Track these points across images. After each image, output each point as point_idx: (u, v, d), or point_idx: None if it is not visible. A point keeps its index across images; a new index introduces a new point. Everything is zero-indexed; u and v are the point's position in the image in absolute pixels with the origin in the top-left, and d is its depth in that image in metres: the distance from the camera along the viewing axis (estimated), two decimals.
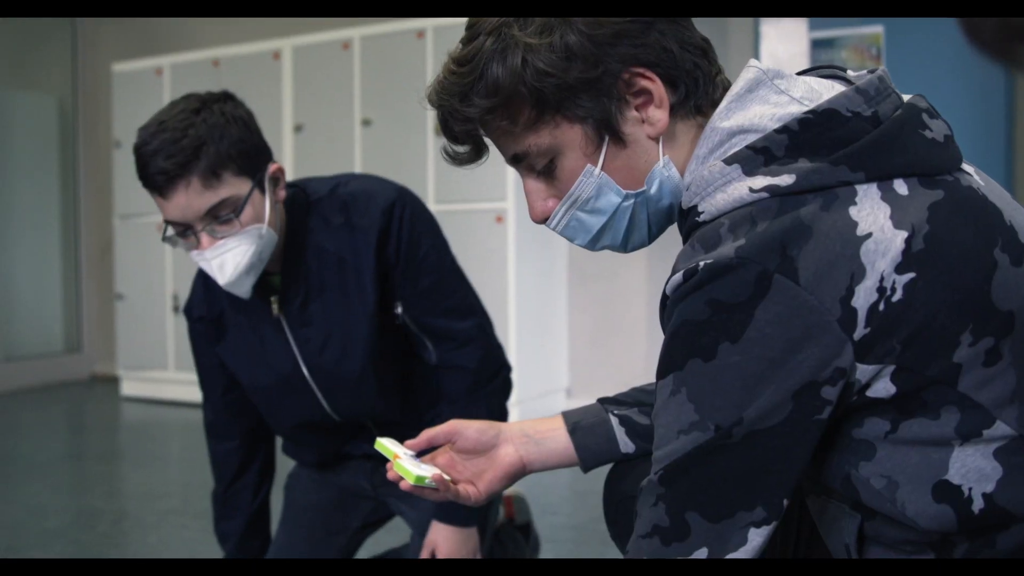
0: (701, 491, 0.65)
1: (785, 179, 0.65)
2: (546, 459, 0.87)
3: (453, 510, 1.17)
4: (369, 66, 3.35)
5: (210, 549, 1.79)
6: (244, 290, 1.14)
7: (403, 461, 0.82)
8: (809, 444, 0.65)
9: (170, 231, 1.12)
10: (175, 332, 3.74)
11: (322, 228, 1.18)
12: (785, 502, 0.65)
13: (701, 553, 0.65)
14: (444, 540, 1.18)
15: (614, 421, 0.86)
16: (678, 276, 0.65)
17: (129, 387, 3.96)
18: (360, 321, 1.19)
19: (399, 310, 1.20)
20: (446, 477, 0.82)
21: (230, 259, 1.10)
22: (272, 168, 1.15)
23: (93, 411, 3.69)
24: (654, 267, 3.23)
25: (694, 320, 0.64)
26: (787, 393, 0.62)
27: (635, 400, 0.88)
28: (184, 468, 2.70)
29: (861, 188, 0.65)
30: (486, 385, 1.21)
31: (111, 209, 4.10)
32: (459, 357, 1.20)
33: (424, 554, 1.20)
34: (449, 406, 1.20)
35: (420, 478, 0.80)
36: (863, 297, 0.62)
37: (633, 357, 3.25)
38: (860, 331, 0.62)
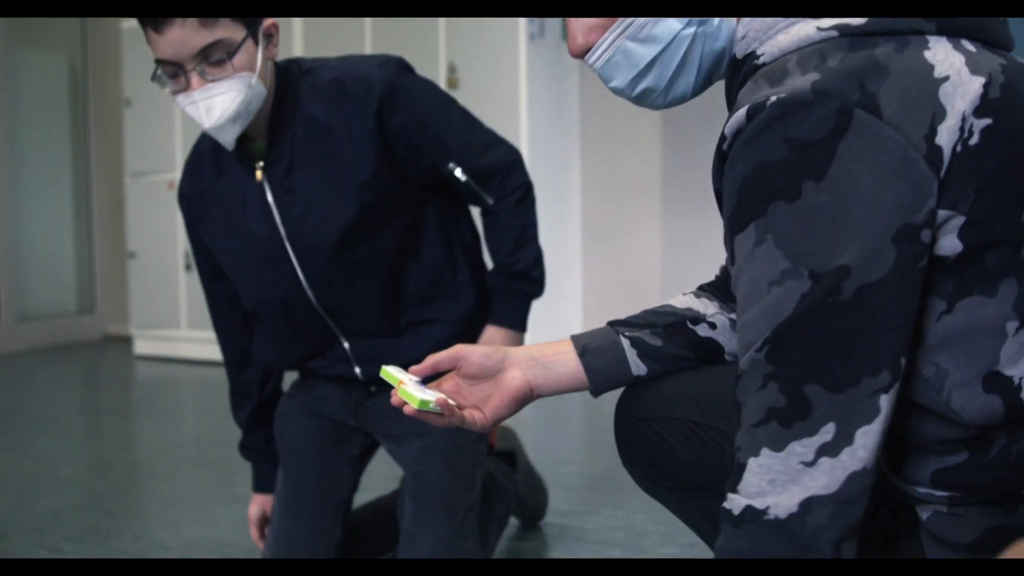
0: (817, 359, 0.59)
1: (856, 20, 0.63)
2: (555, 383, 0.84)
3: (502, 316, 1.25)
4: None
5: (224, 497, 1.79)
6: (228, 139, 1.12)
7: (407, 387, 0.80)
8: (916, 296, 0.60)
9: (160, 72, 1.10)
10: (187, 290, 3.74)
11: (312, 98, 1.16)
12: (903, 361, 0.61)
13: (828, 431, 0.59)
14: (493, 341, 1.24)
15: (625, 343, 0.84)
16: (740, 115, 0.61)
17: (142, 346, 3.97)
18: (347, 193, 1.18)
19: (457, 172, 1.20)
20: (451, 402, 0.80)
21: (218, 103, 1.09)
22: (267, 23, 1.14)
23: (106, 369, 3.69)
24: (669, 224, 3.20)
25: (770, 161, 0.60)
26: (885, 238, 0.58)
27: (647, 322, 0.85)
28: (198, 422, 2.70)
29: (932, 38, 0.63)
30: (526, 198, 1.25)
31: (122, 167, 4.08)
32: (511, 181, 1.24)
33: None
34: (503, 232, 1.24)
35: (424, 402, 0.78)
36: (946, 136, 0.59)
37: None
38: (943, 172, 0.59)
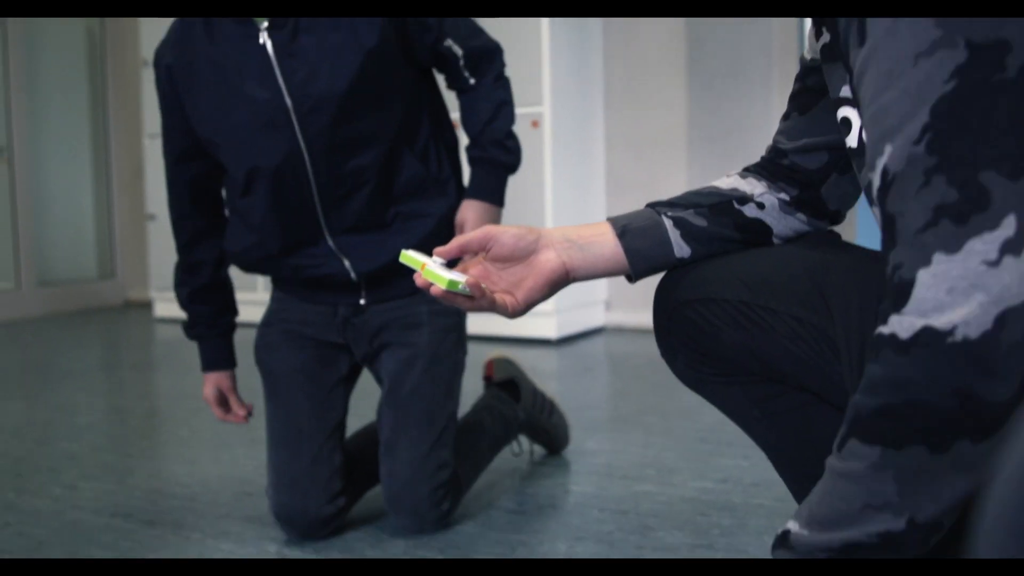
0: (989, 142, 0.50)
1: None
2: (592, 265, 0.78)
3: (480, 188, 1.28)
4: None
5: (244, 440, 1.75)
6: None
7: (432, 267, 0.74)
8: None
9: None
10: None
11: None
12: None
13: (1009, 224, 0.49)
14: (473, 212, 1.26)
15: (668, 223, 0.78)
16: None
17: (163, 308, 3.94)
18: (352, 58, 1.17)
19: (455, 48, 1.25)
20: (482, 284, 0.74)
21: None
22: None
23: (126, 330, 3.66)
24: (694, 176, 3.13)
25: None
26: None
27: (690, 203, 0.79)
28: None
29: None
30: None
31: (140, 129, 4.05)
32: (495, 65, 1.30)
33: (456, 231, 1.26)
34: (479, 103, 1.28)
35: (453, 283, 0.73)
36: None
37: None
38: None
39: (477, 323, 3.06)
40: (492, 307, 0.75)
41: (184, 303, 1.33)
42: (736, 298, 0.75)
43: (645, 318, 3.25)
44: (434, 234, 1.27)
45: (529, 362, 2.58)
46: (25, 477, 1.59)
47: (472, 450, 1.38)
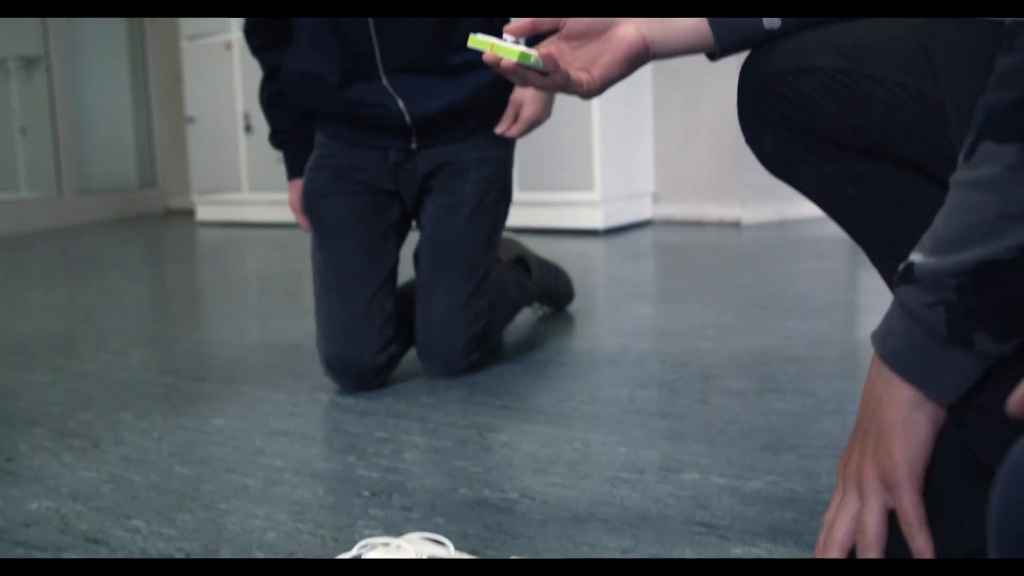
0: None
1: None
2: (674, 40, 0.72)
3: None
4: None
5: (292, 312, 1.72)
6: None
7: (502, 42, 0.69)
8: None
9: None
10: (248, 153, 3.66)
11: None
12: None
13: None
14: (530, 97, 1.25)
15: None
16: None
17: (204, 212, 3.92)
18: None
19: None
20: (556, 59, 0.68)
21: None
22: None
23: (169, 234, 3.64)
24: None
25: None
26: None
27: None
28: (264, 259, 2.63)
29: None
30: None
31: (177, 31, 3.99)
32: None
33: (510, 111, 1.26)
34: None
35: (524, 54, 0.67)
36: None
37: (722, 160, 3.08)
38: None
39: (522, 216, 3.01)
40: (567, 84, 0.70)
41: (265, 109, 1.33)
42: (832, 66, 0.68)
43: (693, 210, 3.17)
44: (490, 88, 1.25)
45: (577, 249, 2.52)
46: (72, 347, 1.57)
47: (498, 307, 1.36)
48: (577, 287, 1.87)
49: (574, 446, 0.97)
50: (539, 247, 1.64)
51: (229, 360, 1.43)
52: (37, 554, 0.76)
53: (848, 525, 0.60)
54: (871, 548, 0.58)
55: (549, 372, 1.29)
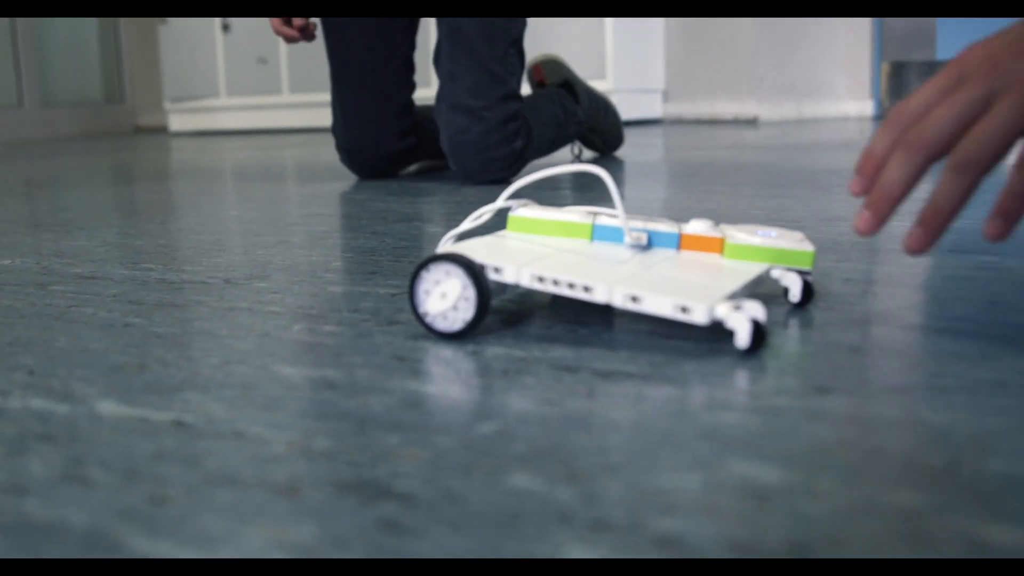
0: None
1: None
2: None
3: None
4: None
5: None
6: None
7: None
8: None
9: None
10: (225, 55, 3.43)
11: None
12: None
13: None
14: None
15: None
16: None
17: (178, 121, 3.68)
18: None
19: None
20: None
21: None
22: None
23: (139, 142, 3.42)
24: None
25: None
26: None
27: None
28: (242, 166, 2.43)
29: None
30: None
31: None
32: None
33: None
34: None
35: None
36: None
37: (735, 57, 2.90)
38: None
39: None
40: None
41: None
42: None
43: (706, 108, 3.00)
44: None
45: None
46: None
47: (538, 111, 1.24)
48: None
49: None
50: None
51: None
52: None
53: (955, 116, 0.39)
54: (979, 163, 0.38)
55: None
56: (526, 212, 0.52)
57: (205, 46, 3.51)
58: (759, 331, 0.40)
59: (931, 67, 2.84)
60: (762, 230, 0.51)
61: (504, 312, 0.51)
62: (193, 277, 0.65)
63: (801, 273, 0.50)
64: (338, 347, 0.45)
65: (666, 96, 3.06)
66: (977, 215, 0.83)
